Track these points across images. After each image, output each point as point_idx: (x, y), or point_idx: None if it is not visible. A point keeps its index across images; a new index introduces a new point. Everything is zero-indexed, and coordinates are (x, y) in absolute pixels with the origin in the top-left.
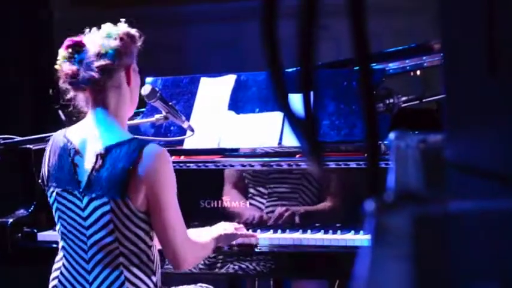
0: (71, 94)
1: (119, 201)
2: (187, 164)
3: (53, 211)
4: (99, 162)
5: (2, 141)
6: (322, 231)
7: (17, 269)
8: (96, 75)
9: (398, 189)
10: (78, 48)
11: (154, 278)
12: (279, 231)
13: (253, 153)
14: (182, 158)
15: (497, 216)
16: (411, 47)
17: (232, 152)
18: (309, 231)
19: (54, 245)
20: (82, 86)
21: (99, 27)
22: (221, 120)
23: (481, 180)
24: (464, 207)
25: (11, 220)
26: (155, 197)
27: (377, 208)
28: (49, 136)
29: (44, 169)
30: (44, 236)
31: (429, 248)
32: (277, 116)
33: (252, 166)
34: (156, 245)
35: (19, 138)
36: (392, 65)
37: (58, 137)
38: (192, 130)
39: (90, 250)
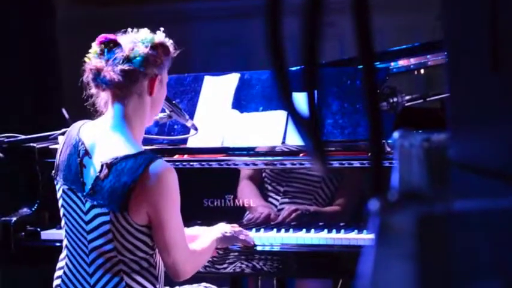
0: (93, 91)
1: (118, 215)
2: (191, 163)
3: (59, 205)
4: (105, 171)
5: (5, 140)
6: (326, 230)
7: (20, 267)
8: (116, 77)
9: (402, 188)
10: (110, 46)
11: (158, 285)
12: (283, 230)
13: (257, 152)
14: (186, 156)
15: (501, 215)
16: (415, 46)
17: (236, 151)
18: (312, 230)
19: (58, 244)
20: (102, 85)
21: (137, 29)
22: (225, 119)
23: (484, 179)
24: (468, 206)
25: (14, 219)
26: (157, 215)
27: (381, 207)
28: (52, 134)
29: (56, 161)
30: (48, 234)
31: (432, 247)
32: (281, 114)
33: (256, 165)
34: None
35: (22, 137)
36: (396, 64)
37: (73, 132)
38: (196, 129)
39: (90, 254)
